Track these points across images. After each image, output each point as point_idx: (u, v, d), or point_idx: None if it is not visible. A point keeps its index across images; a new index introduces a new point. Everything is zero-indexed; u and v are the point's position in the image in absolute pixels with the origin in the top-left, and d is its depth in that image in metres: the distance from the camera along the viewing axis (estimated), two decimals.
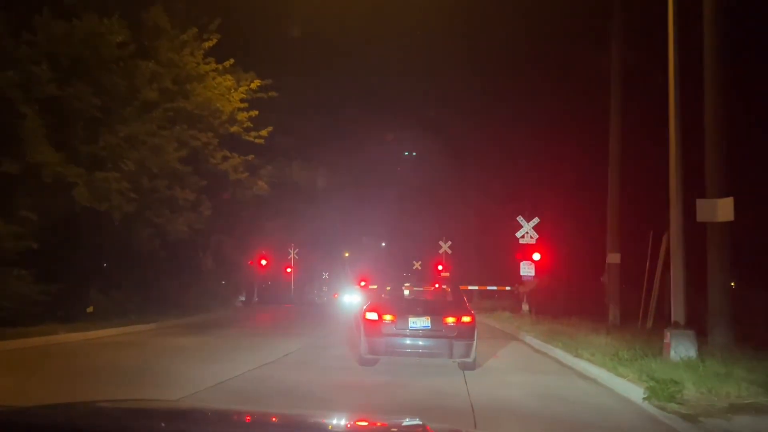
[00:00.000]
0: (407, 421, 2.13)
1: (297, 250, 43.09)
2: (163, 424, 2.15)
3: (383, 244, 58.50)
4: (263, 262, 33.17)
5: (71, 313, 14.57)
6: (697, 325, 9.35)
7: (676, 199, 8.82)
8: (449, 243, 34.53)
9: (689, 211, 9.38)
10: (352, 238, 49.67)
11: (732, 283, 10.61)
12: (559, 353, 10.87)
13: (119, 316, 15.62)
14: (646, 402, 6.78)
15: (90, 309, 14.84)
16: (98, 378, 8.15)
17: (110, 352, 10.89)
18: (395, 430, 2.20)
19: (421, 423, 2.09)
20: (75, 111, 13.07)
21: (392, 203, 43.23)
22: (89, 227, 14.29)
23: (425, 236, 39.66)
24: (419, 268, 39.84)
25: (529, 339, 13.41)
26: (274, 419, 2.49)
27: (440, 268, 33.00)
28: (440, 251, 34.17)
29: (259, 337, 13.86)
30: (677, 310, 8.81)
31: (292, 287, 43.61)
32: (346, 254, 64.49)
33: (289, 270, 42.80)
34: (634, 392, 7.28)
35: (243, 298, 32.01)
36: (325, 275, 66.83)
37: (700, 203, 8.99)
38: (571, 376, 9.07)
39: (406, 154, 36.21)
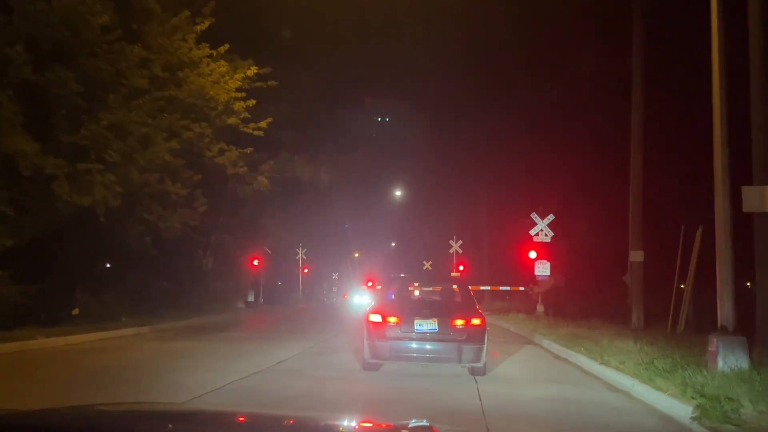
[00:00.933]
0: (414, 423, 2.12)
1: (305, 250, 42.22)
2: (170, 425, 2.15)
3: (393, 244, 57.81)
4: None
5: (55, 316, 13.72)
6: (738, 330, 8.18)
7: (723, 185, 7.66)
8: (460, 242, 33.84)
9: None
10: (362, 239, 48.61)
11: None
12: (582, 360, 9.91)
13: (108, 319, 14.78)
14: (696, 423, 5.70)
15: (75, 311, 13.94)
16: (55, 388, 7.31)
17: (87, 358, 10.04)
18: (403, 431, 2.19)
19: (428, 424, 2.09)
20: (55, 98, 12.14)
21: (402, 202, 42.85)
22: (74, 224, 13.33)
23: (435, 236, 39.09)
24: (429, 268, 38.99)
25: (548, 343, 12.57)
26: (279, 422, 2.47)
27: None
28: (451, 251, 33.34)
29: (256, 342, 13.08)
30: (725, 313, 7.65)
31: (301, 288, 42.79)
32: (356, 255, 63.87)
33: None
34: (679, 410, 6.20)
35: (251, 299, 31.29)
36: (335, 276, 66.22)
37: (747, 191, 7.82)
38: (598, 388, 8.05)
39: (379, 119, 34.81)
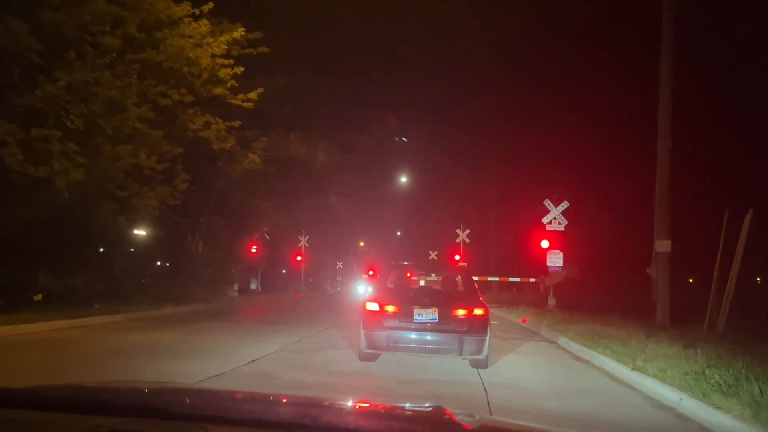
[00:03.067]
0: (427, 406, 2.22)
1: (308, 237, 40.89)
2: (187, 400, 2.18)
3: (398, 233, 56.75)
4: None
5: (15, 301, 12.29)
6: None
7: None
8: (467, 231, 33.11)
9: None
10: (366, 227, 47.52)
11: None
12: (609, 364, 8.54)
13: (77, 305, 13.51)
14: None
15: (38, 297, 12.50)
16: None
17: (23, 351, 8.60)
18: (413, 411, 2.27)
19: (440, 406, 2.15)
20: (7, 54, 10.60)
21: (407, 189, 41.80)
22: (33, 199, 11.86)
23: (442, 225, 38.87)
24: (435, 258, 38.43)
25: (564, 341, 11.41)
26: (287, 400, 2.49)
27: (457, 258, 31.60)
28: (457, 240, 32.67)
29: (234, 334, 11.83)
30: None
31: (303, 276, 41.54)
32: (361, 244, 62.79)
33: (299, 258, 40.57)
34: None
35: (254, 286, 30.16)
36: (340, 265, 65.11)
37: None
38: (635, 401, 6.60)
39: (397, 139, 34.62)
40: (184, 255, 21.71)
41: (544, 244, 19.91)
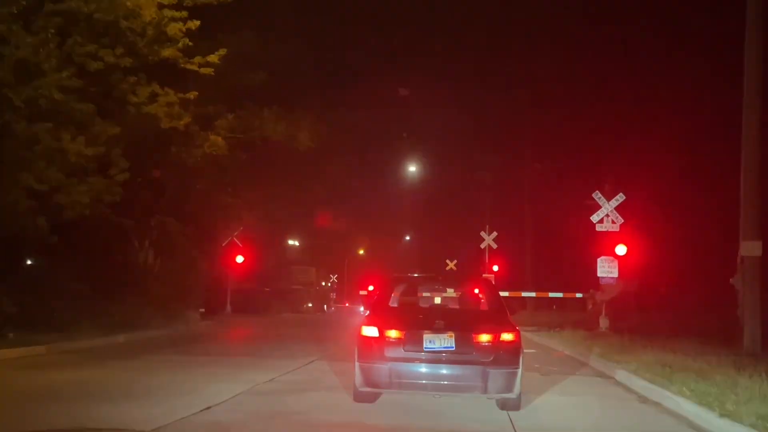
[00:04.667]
0: None
1: (296, 243, 40.70)
2: None
3: (407, 238, 56.74)
4: (239, 258, 30.64)
5: None
6: None
7: None
8: (494, 235, 33.83)
9: None
10: (366, 229, 47.28)
11: None
12: (686, 407, 8.34)
13: None
14: None
15: None
16: None
17: None
18: None
19: None
20: None
21: (418, 182, 42.72)
22: None
23: (463, 227, 40.34)
24: (454, 268, 38.99)
25: (624, 376, 11.37)
26: None
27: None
28: (482, 245, 33.42)
29: (193, 370, 11.75)
30: None
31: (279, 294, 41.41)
32: (360, 252, 62.68)
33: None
34: None
35: (226, 309, 30.02)
36: (333, 278, 64.83)
37: None
38: None
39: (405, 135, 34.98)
40: (129, 267, 21.59)
41: (598, 249, 20.11)
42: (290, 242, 41.63)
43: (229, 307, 32.06)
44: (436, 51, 36.73)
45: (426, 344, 7.88)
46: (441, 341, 7.88)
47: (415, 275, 11.34)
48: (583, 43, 28.89)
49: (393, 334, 8.01)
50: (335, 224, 38.41)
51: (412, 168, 39.31)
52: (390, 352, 7.93)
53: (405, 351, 7.91)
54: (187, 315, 24.34)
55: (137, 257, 22.11)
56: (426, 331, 7.93)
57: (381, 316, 8.50)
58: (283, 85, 22.45)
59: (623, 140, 27.00)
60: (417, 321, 8.30)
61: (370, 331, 8.11)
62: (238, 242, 31.36)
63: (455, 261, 39.22)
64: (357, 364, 8.14)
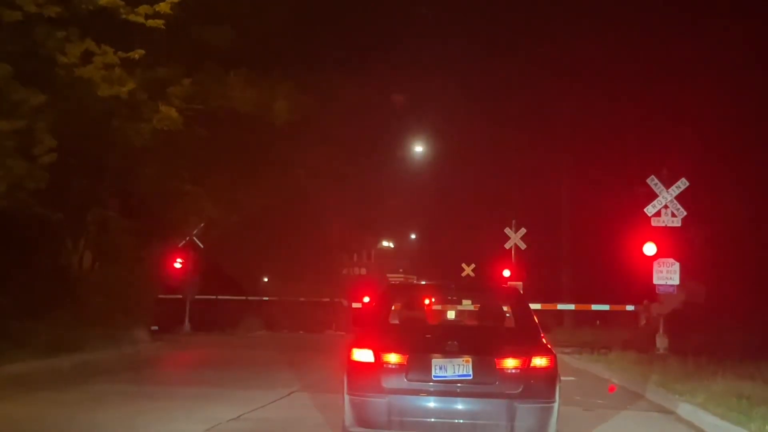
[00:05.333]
0: None
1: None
2: None
3: (413, 236, 57.28)
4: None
5: None
6: None
7: None
8: (522, 232, 34.55)
9: None
10: (362, 225, 47.40)
11: None
12: None
13: None
14: None
15: None
16: None
17: None
18: None
19: None
20: None
21: (426, 168, 43.62)
22: None
23: (484, 224, 41.49)
24: (472, 274, 39.46)
25: (689, 410, 11.60)
26: None
27: (507, 274, 33.02)
28: (507, 245, 33.93)
29: (135, 404, 11.90)
30: None
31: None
32: (354, 257, 63.18)
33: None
34: None
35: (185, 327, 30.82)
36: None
37: None
38: None
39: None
40: (60, 274, 21.64)
41: (649, 249, 20.51)
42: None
43: (187, 324, 32.15)
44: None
45: (435, 372, 7.89)
46: (455, 368, 7.88)
47: (422, 282, 11.38)
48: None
49: (393, 358, 8.01)
50: (319, 217, 38.42)
51: (418, 148, 39.64)
52: (389, 383, 7.93)
53: (408, 381, 7.92)
54: (135, 334, 24.44)
55: (70, 261, 22.24)
56: (435, 355, 7.94)
57: (377, 336, 8.49)
58: (255, 43, 22.57)
59: (689, 108, 27.32)
60: (424, 342, 8.33)
61: (364, 355, 8.11)
62: (198, 242, 31.48)
63: (473, 265, 39.39)
64: (346, 397, 8.16)
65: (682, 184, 20.56)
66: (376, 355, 8.04)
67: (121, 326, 23.23)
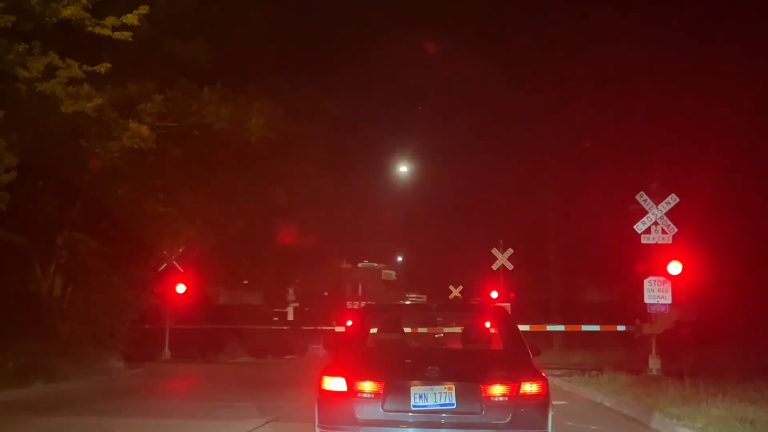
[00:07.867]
0: None
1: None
2: None
3: (399, 259, 57.60)
4: (180, 288, 30.22)
5: None
6: None
7: None
8: (509, 252, 34.56)
9: None
10: (342, 246, 47.55)
11: None
12: None
13: None
14: None
15: None
16: None
17: None
18: None
19: None
20: None
21: (412, 188, 44.23)
22: None
23: (472, 245, 41.34)
24: (459, 296, 40.06)
25: None
26: None
27: (495, 295, 33.28)
28: (494, 266, 34.30)
29: None
30: None
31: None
32: (344, 265, 63.55)
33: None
34: None
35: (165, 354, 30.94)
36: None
37: None
38: None
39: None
40: (28, 301, 21.74)
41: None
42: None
43: (167, 352, 32.02)
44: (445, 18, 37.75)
45: (414, 401, 7.77)
46: (436, 396, 7.77)
47: (402, 302, 11.03)
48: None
49: (367, 386, 7.87)
50: (304, 240, 38.23)
51: (403, 168, 39.90)
52: (363, 413, 7.83)
53: (385, 411, 7.80)
54: (109, 362, 24.26)
55: (39, 287, 22.19)
56: (414, 382, 7.81)
57: (351, 361, 8.38)
58: (230, 58, 22.66)
59: (674, 127, 27.91)
60: (402, 367, 8.20)
61: (335, 384, 7.99)
62: (178, 266, 31.36)
63: (460, 287, 40.11)
64: (317, 430, 8.12)
65: (672, 200, 20.51)
66: (349, 383, 7.90)
67: (93, 354, 23.39)
